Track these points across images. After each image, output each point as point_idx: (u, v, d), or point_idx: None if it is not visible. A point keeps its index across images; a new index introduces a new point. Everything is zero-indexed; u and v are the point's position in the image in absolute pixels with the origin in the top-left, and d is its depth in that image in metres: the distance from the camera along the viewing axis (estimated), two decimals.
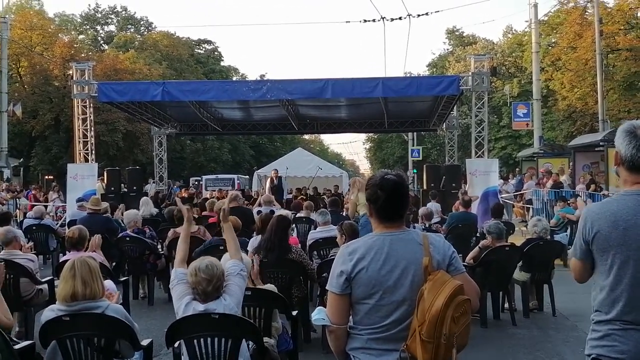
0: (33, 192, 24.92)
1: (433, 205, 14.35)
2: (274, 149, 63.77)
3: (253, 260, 6.00)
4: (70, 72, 19.46)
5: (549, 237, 9.69)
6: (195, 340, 4.35)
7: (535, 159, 26.63)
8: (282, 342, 5.46)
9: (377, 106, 22.05)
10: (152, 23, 60.79)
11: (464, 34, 54.78)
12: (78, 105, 19.07)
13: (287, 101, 21.12)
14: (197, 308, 4.34)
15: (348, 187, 17.40)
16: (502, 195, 19.73)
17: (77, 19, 56.53)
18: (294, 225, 11.00)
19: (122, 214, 12.05)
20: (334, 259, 3.16)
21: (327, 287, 3.09)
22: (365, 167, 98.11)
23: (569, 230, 13.73)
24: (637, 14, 30.06)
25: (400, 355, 2.88)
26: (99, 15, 57.50)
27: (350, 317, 3.05)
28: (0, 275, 5.29)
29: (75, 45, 43.52)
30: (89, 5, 57.41)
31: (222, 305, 4.34)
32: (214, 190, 26.07)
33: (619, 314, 2.89)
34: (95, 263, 4.66)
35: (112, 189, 19.78)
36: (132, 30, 58.17)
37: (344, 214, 12.46)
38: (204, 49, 64.45)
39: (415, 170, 38.97)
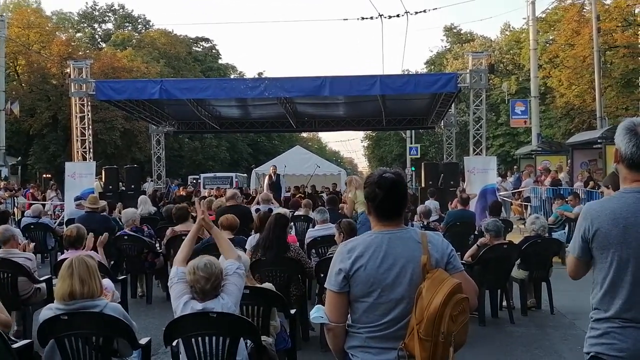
0: (31, 190, 24.92)
1: (431, 203, 14.35)
2: (272, 147, 63.81)
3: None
4: (68, 70, 19.48)
5: (547, 234, 9.70)
6: (193, 339, 4.35)
7: (533, 156, 26.66)
8: (280, 340, 5.46)
9: (375, 104, 22.05)
10: (150, 21, 60.76)
11: (462, 32, 54.85)
12: (76, 104, 19.06)
13: (285, 99, 21.11)
14: (195, 307, 4.34)
15: (345, 185, 17.38)
16: (500, 193, 19.73)
17: (74, 17, 56.56)
18: (292, 223, 11.00)
19: (120, 213, 12.04)
20: (332, 257, 3.15)
21: (325, 285, 3.09)
22: (363, 165, 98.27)
23: (567, 228, 13.73)
24: (634, 10, 30.06)
25: (399, 354, 2.87)
26: (97, 13, 57.49)
27: (349, 315, 3.05)
28: None
29: (72, 44, 43.47)
30: (87, 3, 57.19)
31: (220, 304, 4.34)
32: (212, 189, 26.10)
33: (618, 311, 2.89)
34: (93, 262, 4.65)
35: (110, 187, 19.76)
36: (129, 28, 58.18)
37: (344, 209, 12.45)
38: (201, 47, 64.48)
39: (413, 168, 39.04)
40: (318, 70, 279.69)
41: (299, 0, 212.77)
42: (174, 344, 4.56)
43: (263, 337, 4.79)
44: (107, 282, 5.98)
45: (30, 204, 17.38)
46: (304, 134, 79.34)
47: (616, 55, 29.45)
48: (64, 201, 19.44)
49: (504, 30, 49.80)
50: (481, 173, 17.07)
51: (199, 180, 37.92)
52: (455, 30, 54.98)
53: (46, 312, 4.53)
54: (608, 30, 28.20)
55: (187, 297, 4.39)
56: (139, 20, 59.46)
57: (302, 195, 20.11)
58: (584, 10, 30.63)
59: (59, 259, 8.02)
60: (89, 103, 19.28)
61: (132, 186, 20.36)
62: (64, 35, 45.24)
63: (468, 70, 18.13)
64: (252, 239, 7.92)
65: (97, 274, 4.59)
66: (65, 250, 7.66)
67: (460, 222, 11.95)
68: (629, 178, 2.98)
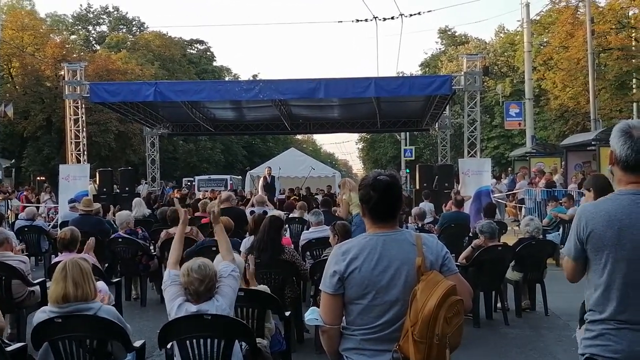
0: (25, 193, 24.84)
1: (426, 205, 14.36)
2: (266, 149, 63.78)
3: (248, 261, 5.99)
4: (62, 72, 19.42)
5: (541, 236, 9.71)
6: (187, 342, 4.34)
7: (527, 158, 26.69)
8: (275, 342, 5.46)
9: (369, 106, 22.07)
10: (144, 23, 60.80)
11: (456, 34, 55.00)
12: (70, 106, 19.03)
13: (280, 101, 21.12)
14: (189, 309, 4.33)
15: (339, 187, 17.40)
16: (495, 195, 19.76)
17: (68, 19, 56.46)
18: (286, 225, 10.99)
19: (115, 215, 12.01)
20: (326, 259, 3.15)
21: (320, 287, 3.09)
22: (358, 167, 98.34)
23: (561, 230, 13.75)
24: (628, 13, 30.14)
25: (393, 356, 2.87)
26: (91, 16, 57.40)
27: (344, 317, 3.05)
28: None
29: (67, 46, 43.42)
30: (81, 5, 57.45)
31: (214, 307, 4.33)
32: (207, 191, 26.06)
33: (613, 313, 2.90)
34: (87, 264, 4.65)
35: (105, 189, 19.75)
36: (124, 30, 58.10)
37: (337, 213, 12.44)
38: (196, 49, 64.45)
39: (408, 170, 39.05)
40: (313, 72, 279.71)
41: (293, 2, 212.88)
42: (169, 346, 4.55)
43: (258, 339, 4.79)
44: (101, 284, 5.96)
45: (24, 207, 17.30)
46: (299, 136, 79.43)
47: (610, 58, 29.50)
48: (58, 204, 19.40)
49: (499, 33, 49.98)
50: (475, 175, 17.08)
51: (193, 183, 37.87)
52: (449, 33, 55.12)
53: (40, 315, 4.52)
54: (602, 32, 28.26)
55: (182, 299, 4.38)
56: (134, 23, 59.41)
57: (297, 198, 20.11)
58: (578, 12, 30.69)
59: (52, 262, 8.00)
60: (83, 105, 19.24)
61: (127, 188, 20.36)
62: (58, 38, 45.17)
63: (462, 73, 18.16)
64: (247, 241, 7.92)
65: (91, 277, 4.58)
66: (59, 253, 7.63)
67: (455, 224, 11.96)
68: (623, 180, 2.99)
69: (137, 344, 4.83)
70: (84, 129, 19.36)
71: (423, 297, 2.79)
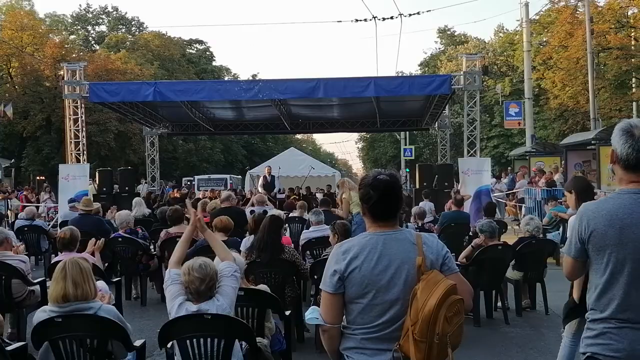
0: (25, 193, 24.85)
1: (426, 205, 14.36)
2: (266, 148, 63.79)
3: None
4: (62, 72, 19.42)
5: (541, 235, 9.71)
6: (188, 341, 4.34)
7: (527, 157, 26.70)
8: (275, 342, 5.45)
9: (369, 106, 22.07)
10: (144, 23, 60.87)
11: (456, 33, 55.04)
12: (69, 106, 19.03)
13: (279, 101, 21.12)
14: (190, 309, 4.33)
15: (337, 187, 17.41)
16: (495, 194, 19.77)
17: (68, 19, 56.48)
18: (286, 225, 10.98)
19: (114, 215, 12.01)
20: (326, 258, 3.15)
21: (320, 287, 3.09)
22: (357, 166, 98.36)
23: (561, 229, 13.74)
24: (627, 12, 30.14)
25: (394, 355, 2.87)
26: (90, 16, 57.44)
27: (344, 316, 3.05)
28: None
29: (66, 46, 43.42)
30: (80, 5, 57.40)
31: (215, 306, 4.33)
32: (207, 191, 26.06)
33: (614, 312, 2.90)
34: (86, 264, 4.64)
35: (104, 189, 19.75)
36: (123, 30, 58.13)
37: (337, 212, 12.44)
38: (195, 49, 64.45)
39: (407, 170, 39.03)
40: (312, 72, 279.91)
41: (293, 2, 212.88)
42: (169, 345, 4.55)
43: (258, 339, 4.79)
44: (101, 284, 5.96)
45: (24, 206, 17.30)
46: (299, 136, 79.56)
47: (609, 57, 29.52)
48: (57, 203, 19.40)
49: (498, 32, 49.97)
50: (475, 174, 17.09)
51: (193, 182, 37.89)
52: (449, 32, 55.14)
53: (40, 314, 4.52)
54: (601, 32, 28.27)
55: (182, 298, 4.38)
56: (133, 23, 59.46)
57: (297, 197, 20.10)
58: (577, 12, 30.70)
59: (52, 261, 8.00)
60: (83, 105, 19.24)
61: (126, 188, 20.35)
62: (57, 38, 45.18)
63: (462, 72, 18.16)
64: (247, 241, 7.92)
65: (90, 276, 4.58)
66: (59, 253, 7.63)
67: (455, 224, 11.96)
68: (624, 179, 2.99)
69: (138, 343, 4.84)
70: (84, 129, 19.36)
71: (423, 296, 2.79)
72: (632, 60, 28.66)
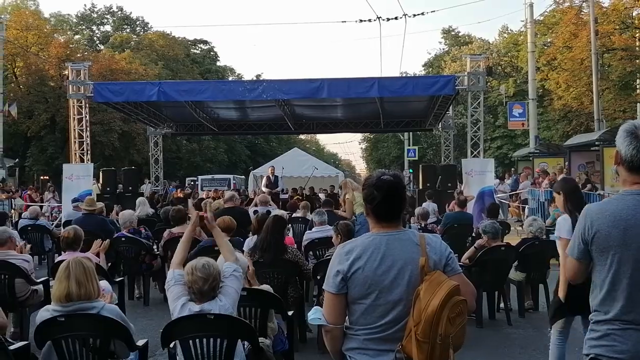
0: (28, 192, 24.90)
1: (429, 205, 14.34)
2: (270, 149, 63.78)
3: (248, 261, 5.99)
4: (66, 72, 19.50)
5: (544, 236, 9.67)
6: (190, 341, 4.34)
7: (530, 158, 26.66)
8: (277, 342, 5.45)
9: (373, 106, 22.06)
10: (148, 23, 60.89)
11: (460, 34, 55.01)
12: (74, 106, 19.07)
13: (283, 101, 21.12)
14: (192, 309, 4.33)
15: (339, 188, 17.41)
16: (498, 195, 19.75)
17: (72, 19, 56.49)
18: (289, 225, 10.99)
19: (118, 215, 12.02)
20: (329, 259, 3.15)
21: (323, 287, 3.09)
22: (361, 167, 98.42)
23: None
24: (632, 13, 30.09)
25: (396, 356, 2.87)
26: (95, 16, 57.46)
27: (347, 317, 3.05)
28: None
29: (71, 46, 43.44)
30: (85, 5, 57.44)
31: (217, 306, 4.34)
32: (210, 191, 26.06)
33: (618, 313, 2.89)
34: (90, 263, 4.65)
35: (108, 189, 19.77)
36: (128, 30, 58.15)
37: (340, 212, 12.44)
38: (199, 49, 64.47)
39: (411, 170, 39.05)
40: (316, 72, 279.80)
41: (297, 2, 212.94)
42: (172, 345, 4.55)
43: (260, 339, 4.79)
44: (104, 283, 5.97)
45: (28, 206, 17.35)
46: (302, 136, 79.56)
47: (614, 58, 29.48)
48: (61, 203, 19.44)
49: (502, 33, 49.92)
50: (479, 175, 17.07)
51: (196, 182, 37.90)
52: (453, 33, 55.09)
53: (43, 313, 4.53)
54: (606, 32, 28.24)
55: (185, 298, 4.39)
56: (137, 23, 59.47)
57: (300, 197, 20.11)
58: (582, 12, 30.67)
59: (56, 261, 8.01)
60: (87, 105, 19.29)
61: (130, 188, 20.37)
62: (62, 37, 45.23)
63: (466, 73, 18.14)
64: (250, 241, 7.92)
65: (94, 276, 4.58)
66: (62, 252, 7.65)
67: (458, 224, 11.95)
68: (629, 180, 2.99)
69: (140, 343, 4.85)
70: (88, 129, 19.40)
71: (426, 297, 2.78)
72: (637, 61, 28.65)
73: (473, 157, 18.45)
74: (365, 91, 17.85)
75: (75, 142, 19.18)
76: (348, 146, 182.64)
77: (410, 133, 41.88)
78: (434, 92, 18.31)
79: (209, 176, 40.55)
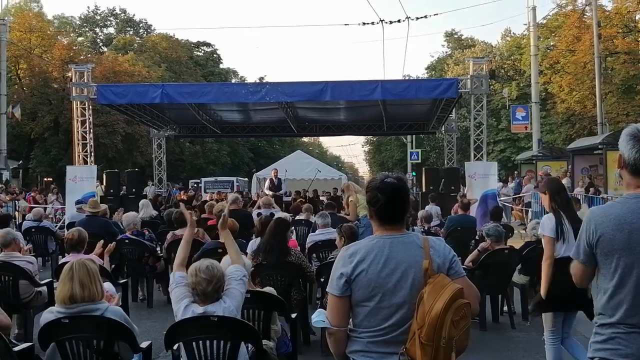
0: (32, 194, 24.92)
1: (432, 208, 14.34)
2: (273, 151, 63.77)
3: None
4: (70, 74, 19.51)
5: None
6: (194, 343, 4.34)
7: (534, 162, 26.67)
8: (281, 344, 5.46)
9: (376, 109, 22.05)
10: (151, 25, 60.83)
11: (463, 37, 54.95)
12: (77, 108, 19.10)
13: (286, 104, 21.14)
14: (196, 310, 4.34)
15: (342, 191, 17.42)
16: (501, 198, 19.75)
17: (76, 21, 56.57)
18: (293, 227, 10.99)
19: (121, 217, 12.03)
20: (333, 261, 3.16)
21: (327, 289, 3.10)
22: (364, 169, 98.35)
23: None
24: (635, 17, 30.10)
25: (400, 359, 2.87)
26: (98, 18, 57.56)
27: (350, 319, 3.05)
28: None
29: (74, 48, 43.52)
30: (88, 7, 57.36)
31: (221, 308, 4.34)
32: (213, 193, 26.08)
33: (623, 317, 2.89)
34: (93, 265, 4.66)
35: (111, 191, 19.78)
36: (131, 32, 58.22)
37: (343, 214, 12.45)
38: (203, 52, 64.50)
39: (414, 173, 39.05)
40: (319, 75, 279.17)
41: (300, 5, 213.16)
42: (175, 347, 4.56)
43: (264, 341, 4.79)
44: (108, 285, 5.98)
45: (32, 208, 17.36)
46: (305, 139, 79.55)
47: (617, 62, 29.49)
48: (65, 205, 19.45)
49: (505, 36, 49.84)
50: (482, 178, 17.08)
51: (199, 185, 37.92)
52: (456, 36, 55.06)
53: (47, 315, 4.53)
54: (609, 36, 28.24)
55: (188, 300, 4.39)
56: (141, 25, 59.56)
57: (303, 200, 20.10)
58: (585, 16, 30.69)
59: (60, 263, 8.03)
60: (90, 107, 19.30)
61: (133, 190, 20.36)
62: (65, 40, 45.30)
63: (469, 76, 18.17)
64: (253, 243, 7.93)
65: (97, 278, 4.59)
66: (66, 254, 7.66)
67: (461, 227, 11.93)
68: (632, 184, 2.99)
69: (144, 345, 4.85)
70: (91, 131, 19.43)
71: (430, 300, 2.79)
72: None
73: (476, 160, 18.45)
74: (369, 94, 17.85)
75: (78, 144, 19.21)
76: (351, 149, 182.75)
77: (413, 136, 41.87)
78: (437, 95, 18.31)
79: (212, 178, 40.54)
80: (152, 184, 26.41)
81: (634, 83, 29.76)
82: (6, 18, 35.76)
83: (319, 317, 3.07)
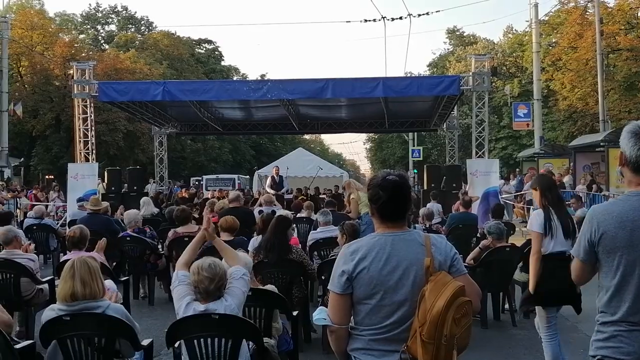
0: (34, 191, 24.94)
1: (434, 206, 14.34)
2: (274, 148, 63.77)
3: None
4: (71, 71, 19.50)
5: None
6: (195, 341, 4.34)
7: (535, 159, 26.64)
8: (282, 342, 5.46)
9: (377, 106, 22.05)
10: (153, 23, 60.90)
11: (465, 34, 54.89)
12: (79, 105, 19.09)
13: (288, 101, 21.12)
14: (197, 308, 4.33)
15: (343, 189, 17.40)
16: (503, 196, 19.74)
17: (77, 18, 56.68)
18: (294, 225, 10.98)
19: (122, 214, 12.04)
20: (334, 259, 3.16)
21: (328, 287, 3.09)
22: (365, 167, 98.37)
23: None
24: (637, 13, 30.04)
25: (401, 356, 2.87)
26: (100, 15, 57.61)
27: (352, 317, 3.05)
28: None
29: (75, 45, 43.51)
30: (90, 4, 57.36)
31: (223, 306, 4.34)
32: (215, 190, 26.07)
33: (625, 315, 2.89)
34: (95, 263, 4.65)
35: (113, 188, 19.79)
36: (132, 29, 58.24)
37: (345, 211, 12.44)
38: (204, 49, 64.51)
39: (415, 171, 38.99)
40: (321, 72, 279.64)
41: (302, 2, 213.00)
42: (176, 345, 4.56)
43: (265, 339, 4.79)
44: (109, 283, 5.98)
45: (33, 205, 17.37)
46: (307, 136, 79.47)
47: (619, 58, 29.42)
48: (66, 202, 19.46)
49: (507, 33, 49.80)
50: (484, 176, 17.05)
51: (201, 182, 37.94)
52: (458, 33, 54.99)
53: (48, 312, 4.53)
54: (611, 33, 28.18)
55: (190, 298, 4.39)
56: (142, 22, 59.58)
57: (305, 197, 20.10)
58: (587, 13, 30.61)
59: (61, 260, 8.03)
60: (92, 104, 19.29)
61: (135, 187, 20.37)
62: (67, 37, 45.29)
63: (471, 73, 18.13)
64: (255, 241, 7.92)
65: (99, 275, 4.59)
66: (68, 252, 7.66)
67: (463, 225, 11.93)
68: (634, 181, 2.98)
69: (145, 342, 4.85)
70: (93, 128, 19.42)
71: (431, 298, 2.78)
72: None
73: (478, 157, 18.43)
74: (370, 91, 17.83)
75: (80, 141, 19.20)
76: (352, 146, 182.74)
77: (415, 133, 41.83)
78: (438, 92, 18.29)
79: (214, 176, 40.59)
80: (154, 182, 26.41)
81: (636, 80, 29.70)
82: (8, 15, 35.82)
83: (320, 315, 3.06)
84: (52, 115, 39.40)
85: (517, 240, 11.03)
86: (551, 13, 35.93)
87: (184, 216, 9.95)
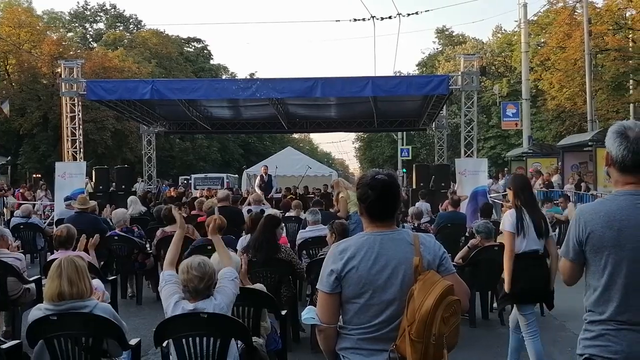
0: (21, 190, 24.78)
1: (422, 205, 14.36)
2: (263, 147, 63.76)
3: (242, 260, 5.99)
4: (59, 69, 19.43)
5: None
6: (183, 340, 4.33)
7: (524, 158, 26.72)
8: (271, 341, 5.45)
9: (366, 105, 22.06)
10: (142, 21, 60.71)
11: (454, 34, 55.06)
12: (66, 104, 18.99)
13: (277, 100, 21.10)
14: (186, 307, 4.32)
15: (331, 187, 17.39)
16: (491, 195, 19.77)
17: (65, 16, 56.38)
18: (283, 224, 10.96)
19: (110, 213, 11.99)
20: (323, 258, 3.15)
21: (317, 286, 3.09)
22: (354, 166, 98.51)
23: (557, 230, 13.75)
24: (625, 14, 30.15)
25: (390, 356, 2.87)
26: (88, 13, 57.34)
27: (340, 316, 3.04)
28: None
29: (63, 43, 43.24)
30: (78, 2, 56.96)
31: (212, 305, 4.33)
32: (203, 189, 26.00)
33: (613, 314, 2.90)
34: (82, 262, 4.63)
35: (101, 187, 19.70)
36: (121, 28, 58.05)
37: (333, 210, 12.43)
38: (193, 47, 64.41)
39: (404, 170, 39.07)
40: (310, 71, 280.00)
41: (291, 1, 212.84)
42: (164, 344, 4.54)
43: (254, 338, 4.78)
44: (97, 282, 5.95)
45: (20, 204, 17.27)
46: (296, 135, 79.55)
47: (607, 59, 29.52)
48: (53, 201, 19.36)
49: (496, 33, 49.98)
50: (472, 175, 17.09)
51: (189, 181, 37.83)
52: (447, 33, 55.16)
53: (35, 312, 4.51)
54: (599, 33, 28.27)
55: (178, 296, 4.38)
56: (131, 20, 59.39)
57: (293, 196, 20.08)
58: (576, 13, 30.73)
59: (48, 259, 7.98)
60: (80, 103, 19.21)
61: (123, 186, 20.29)
62: (55, 35, 45.01)
63: (460, 73, 18.16)
64: (243, 240, 7.90)
65: (86, 275, 4.56)
66: (55, 251, 7.62)
67: (451, 224, 11.95)
68: (620, 181, 2.99)
69: (133, 342, 4.83)
70: (81, 127, 19.33)
71: (420, 297, 2.78)
72: (630, 62, 28.65)
73: (466, 156, 18.47)
74: (359, 90, 17.83)
75: (67, 140, 19.11)
76: (341, 145, 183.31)
77: (404, 133, 41.91)
78: (427, 91, 18.30)
79: (202, 175, 40.48)
80: (142, 181, 26.32)
81: (624, 80, 29.84)
82: None
83: (308, 314, 3.06)
84: (39, 113, 39.17)
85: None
86: (540, 13, 36.06)
87: (172, 215, 9.89)
